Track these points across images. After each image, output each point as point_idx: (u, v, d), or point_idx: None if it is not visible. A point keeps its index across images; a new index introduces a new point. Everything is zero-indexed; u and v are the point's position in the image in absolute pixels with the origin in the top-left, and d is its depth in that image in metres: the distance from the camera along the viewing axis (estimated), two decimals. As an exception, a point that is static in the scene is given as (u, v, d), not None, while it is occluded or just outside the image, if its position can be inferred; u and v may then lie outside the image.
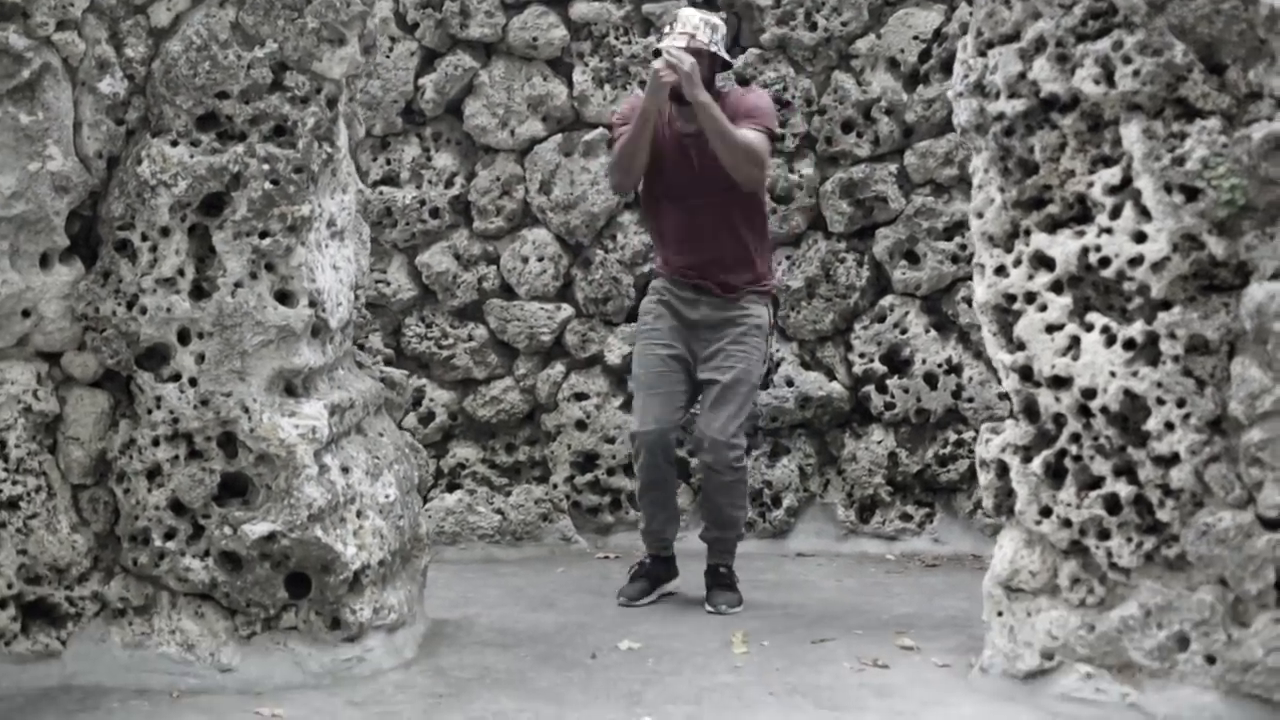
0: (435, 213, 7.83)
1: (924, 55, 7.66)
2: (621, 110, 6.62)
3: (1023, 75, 4.98)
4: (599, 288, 7.74)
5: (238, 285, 5.13)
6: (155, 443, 5.16)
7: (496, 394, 7.85)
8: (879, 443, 7.74)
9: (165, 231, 5.13)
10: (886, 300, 7.74)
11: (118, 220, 5.13)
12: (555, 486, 7.78)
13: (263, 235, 5.13)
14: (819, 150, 7.71)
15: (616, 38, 7.74)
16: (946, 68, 7.60)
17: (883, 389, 7.73)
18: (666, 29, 6.55)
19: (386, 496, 5.47)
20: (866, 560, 7.55)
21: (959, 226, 7.60)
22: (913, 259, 7.69)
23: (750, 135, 6.35)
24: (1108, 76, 4.83)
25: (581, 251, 7.82)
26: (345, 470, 5.33)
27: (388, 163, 7.79)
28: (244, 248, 5.13)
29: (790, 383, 7.72)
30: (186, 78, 5.12)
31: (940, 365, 7.68)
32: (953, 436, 7.70)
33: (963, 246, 7.59)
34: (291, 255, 5.17)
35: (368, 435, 5.60)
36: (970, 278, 7.44)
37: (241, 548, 5.15)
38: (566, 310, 7.82)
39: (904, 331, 7.71)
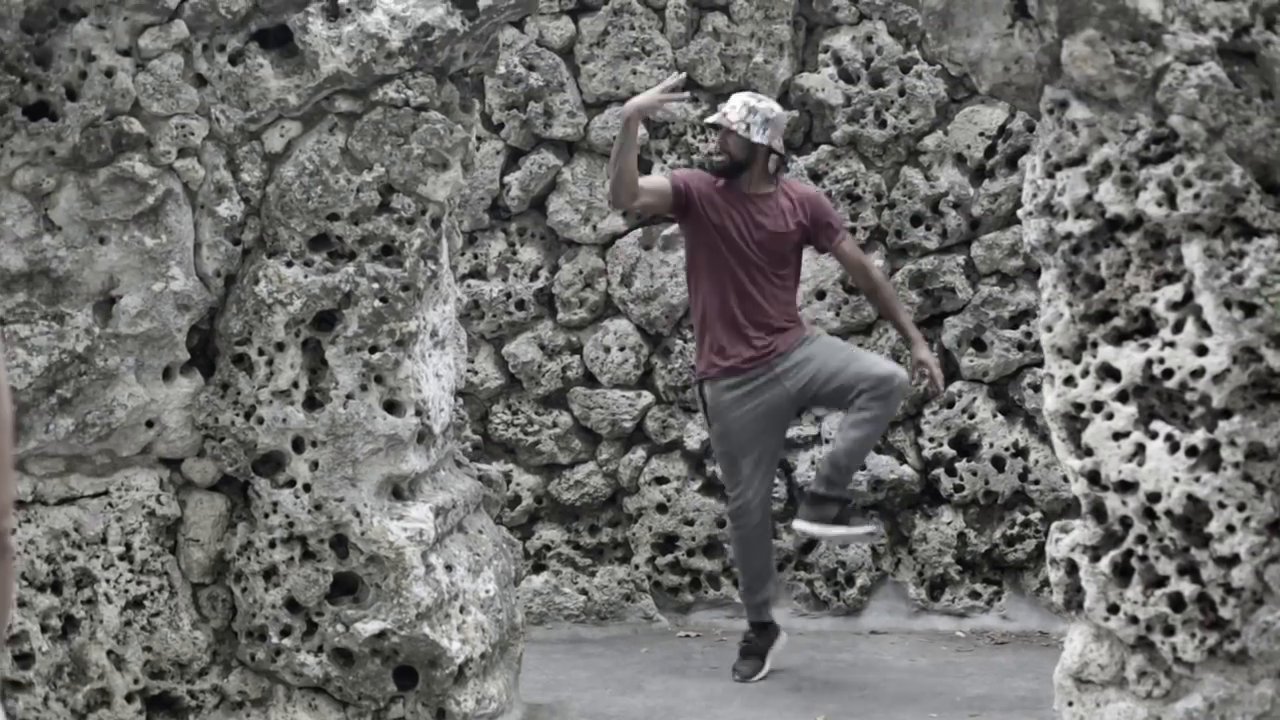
0: (521, 305, 8.17)
1: (989, 151, 7.96)
2: (686, 175, 7.14)
3: (1089, 197, 5.25)
4: (678, 376, 8.05)
5: (349, 397, 5.47)
6: (272, 545, 5.51)
7: (580, 478, 8.17)
8: (948, 523, 8.00)
9: (280, 346, 5.48)
10: (955, 386, 8.01)
11: (236, 336, 5.49)
12: (637, 567, 8.08)
13: (372, 350, 5.48)
14: (889, 243, 8.00)
15: (694, 136, 8.07)
16: (1011, 162, 7.90)
17: (952, 472, 8.00)
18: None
19: (487, 591, 5.79)
20: (937, 637, 7.81)
21: (1025, 315, 7.88)
22: (980, 347, 7.97)
23: (880, 275, 7.37)
24: (1170, 199, 5.10)
25: (661, 341, 8.13)
26: (449, 568, 5.65)
27: (475, 257, 8.14)
28: (355, 362, 5.48)
29: (863, 466, 8.00)
30: (299, 201, 5.48)
31: (1007, 449, 7.95)
32: (1019, 517, 7.96)
33: (1028, 334, 7.86)
34: (399, 368, 5.51)
35: (468, 533, 5.92)
36: (1037, 364, 7.76)
37: (354, 644, 5.48)
38: (647, 397, 8.14)
39: (972, 417, 7.98)
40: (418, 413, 5.56)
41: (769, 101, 7.13)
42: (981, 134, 7.95)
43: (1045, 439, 7.87)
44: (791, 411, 7.20)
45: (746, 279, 6.91)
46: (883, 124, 7.98)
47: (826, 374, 6.95)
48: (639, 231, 8.11)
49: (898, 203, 8.01)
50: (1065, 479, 7.74)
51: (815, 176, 7.98)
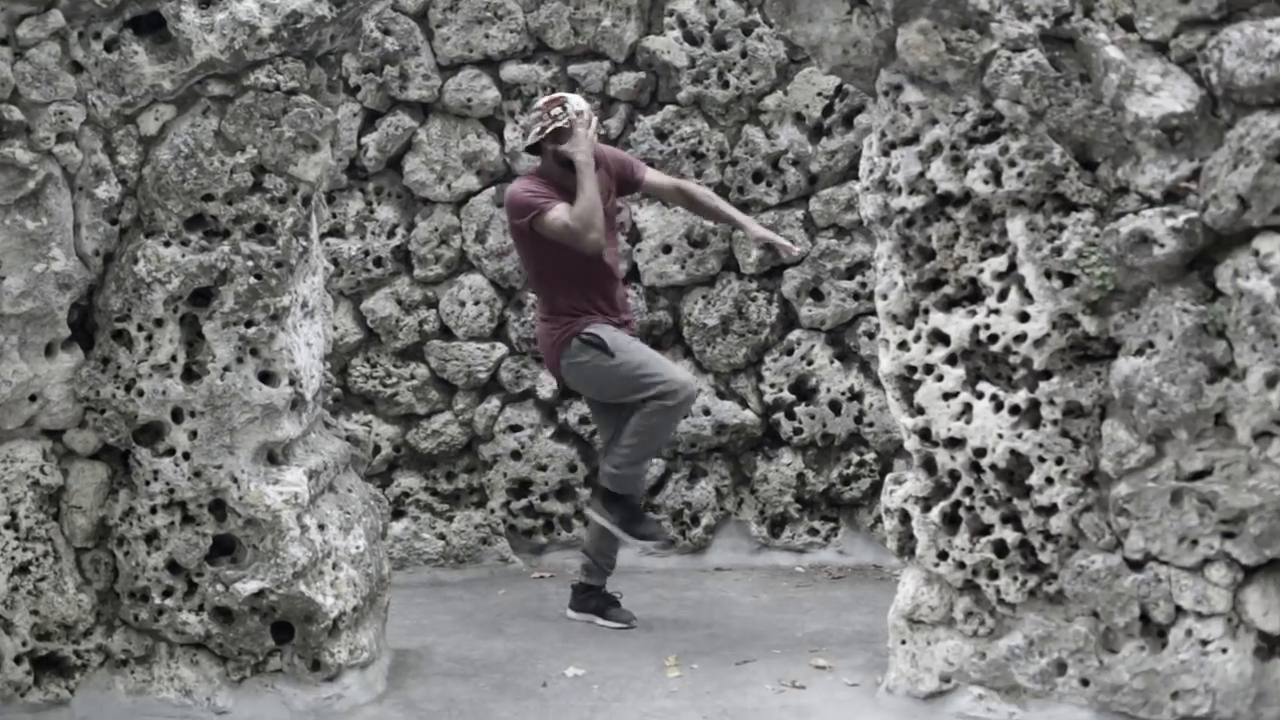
0: (378, 262, 8.42)
1: (827, 110, 8.31)
2: (536, 191, 7.11)
3: (921, 174, 5.63)
4: (530, 328, 8.36)
5: (226, 369, 5.73)
6: (153, 510, 5.76)
7: (437, 427, 8.46)
8: (788, 465, 8.40)
9: (159, 323, 5.71)
10: (794, 335, 8.39)
11: (115, 313, 5.71)
12: (493, 512, 8.41)
13: (248, 324, 5.73)
14: (731, 198, 8.30)
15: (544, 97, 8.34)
16: (848, 121, 8.27)
17: (791, 416, 8.39)
18: (557, 110, 7.12)
19: (358, 548, 6.08)
20: (778, 573, 8.21)
21: (860, 266, 8.27)
22: (818, 297, 8.35)
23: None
24: (995, 176, 5.49)
25: (514, 295, 8.44)
26: (322, 528, 5.93)
27: (333, 216, 8.36)
28: (231, 336, 5.73)
29: (707, 411, 8.36)
30: (175, 183, 5.69)
31: (843, 393, 8.35)
32: (855, 458, 8.39)
33: (863, 285, 8.26)
34: (274, 341, 5.77)
35: (339, 492, 6.21)
36: (871, 312, 8.17)
37: (233, 603, 5.77)
38: (501, 349, 8.44)
39: (810, 363, 8.38)
40: (291, 382, 5.82)
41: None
42: (819, 94, 8.29)
43: (879, 383, 8.27)
44: None
45: (603, 255, 7.15)
46: (725, 84, 8.30)
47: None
48: (492, 190, 8.37)
49: (740, 160, 8.33)
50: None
51: (661, 135, 8.29)
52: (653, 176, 7.53)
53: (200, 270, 5.70)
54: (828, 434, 8.37)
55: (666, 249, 8.36)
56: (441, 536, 8.39)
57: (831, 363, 8.37)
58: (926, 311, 5.71)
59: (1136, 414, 5.31)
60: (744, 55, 8.27)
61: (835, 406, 8.36)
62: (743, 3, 8.29)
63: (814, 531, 8.43)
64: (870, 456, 8.35)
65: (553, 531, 8.42)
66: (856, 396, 8.35)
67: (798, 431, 8.38)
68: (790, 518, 8.43)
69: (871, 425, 8.33)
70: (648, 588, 7.83)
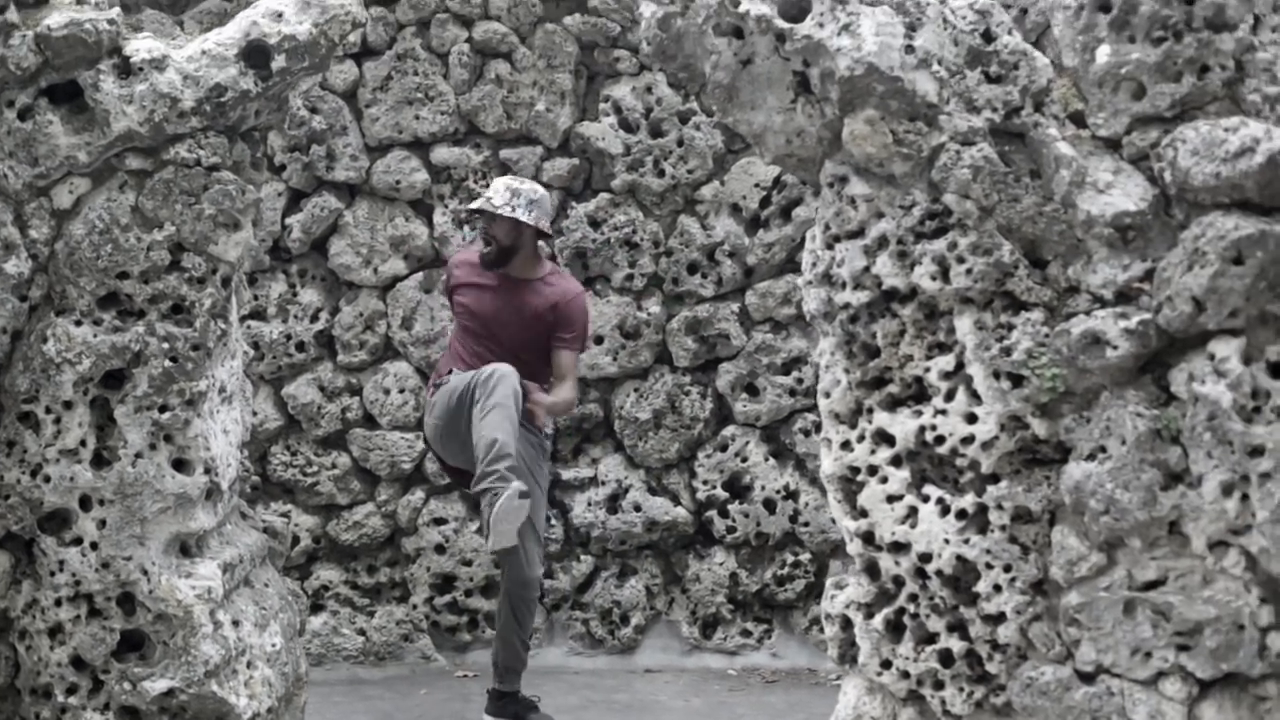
0: (301, 346, 8.19)
1: (764, 201, 8.18)
2: (456, 259, 7.10)
3: (867, 269, 5.46)
4: (458, 418, 8.13)
5: (138, 456, 5.45)
6: (58, 603, 5.46)
7: (359, 519, 8.21)
8: (721, 564, 8.20)
9: (68, 405, 5.44)
10: (728, 430, 8.22)
11: (23, 394, 5.43)
12: (415, 607, 8.15)
13: (162, 409, 5.47)
14: (666, 290, 8.18)
15: (475, 181, 8.16)
16: (785, 213, 8.13)
17: (724, 514, 8.20)
18: (499, 200, 6.99)
19: (273, 645, 5.80)
20: (710, 675, 8.00)
21: (796, 362, 8.11)
22: (753, 392, 8.18)
23: (568, 391, 7.08)
24: (943, 273, 5.33)
25: (441, 385, 8.21)
26: (236, 624, 5.65)
27: (255, 298, 8.13)
28: (144, 421, 5.46)
29: (638, 508, 8.16)
30: (89, 259, 5.44)
31: (778, 491, 8.18)
32: (790, 557, 8.19)
33: (799, 380, 8.10)
34: (189, 427, 5.51)
35: (255, 587, 5.94)
36: (807, 409, 8.00)
37: (141, 703, 5.47)
38: (426, 439, 8.21)
39: (744, 460, 8.20)
40: (206, 470, 5.56)
41: (531, 183, 7.17)
42: (756, 185, 8.16)
43: (815, 482, 8.12)
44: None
45: (512, 358, 6.95)
46: (661, 173, 8.15)
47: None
48: (420, 275, 8.16)
49: (675, 250, 8.18)
50: (834, 521, 8.07)
51: (594, 223, 8.13)
52: (564, 355, 7.12)
53: (113, 351, 5.44)
54: (762, 533, 8.18)
55: (598, 340, 8.17)
56: (362, 632, 8.12)
57: (766, 460, 8.20)
58: (871, 410, 5.52)
59: (1088, 520, 5.13)
60: (680, 144, 8.14)
61: (770, 505, 8.18)
62: (680, 91, 8.15)
63: (747, 633, 8.22)
64: (805, 557, 8.16)
65: (477, 629, 8.16)
66: (792, 495, 8.17)
67: (731, 530, 8.19)
68: (723, 618, 8.21)
69: (807, 525, 8.15)
70: (575, 689, 7.59)
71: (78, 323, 5.45)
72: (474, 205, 7.04)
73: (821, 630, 7.96)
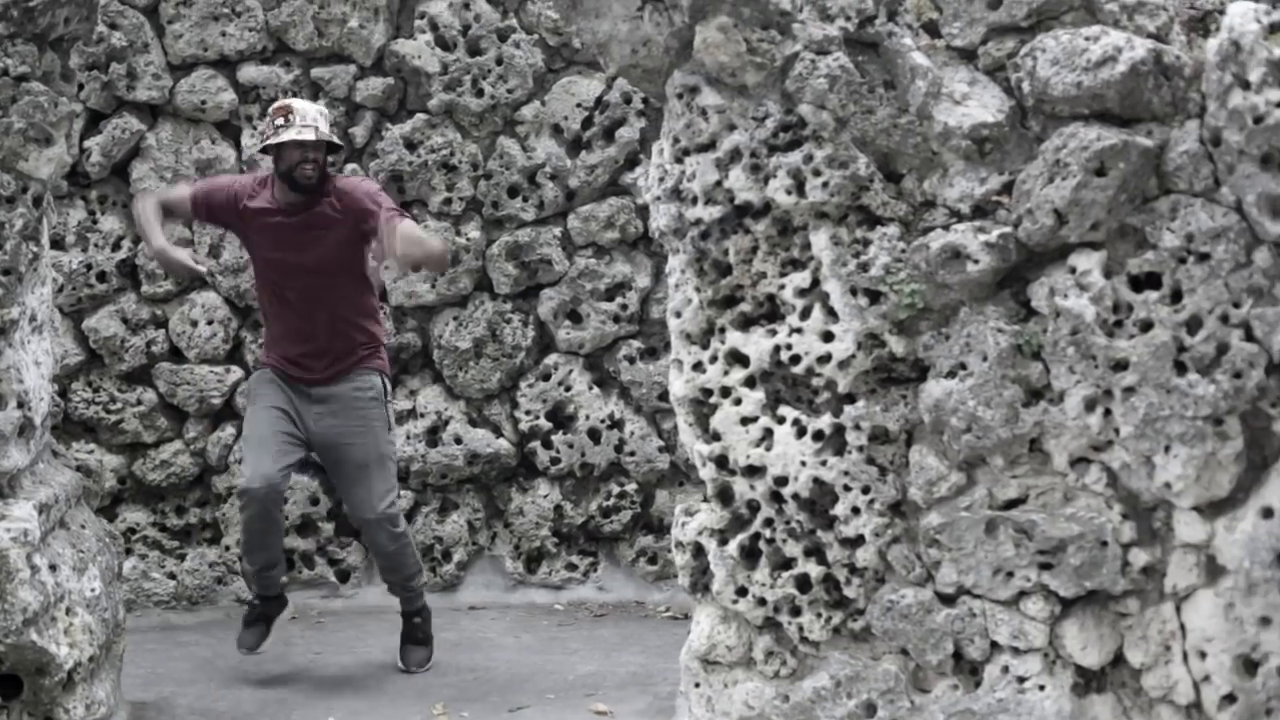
0: (102, 276, 7.78)
1: (586, 122, 7.94)
2: (238, 185, 6.68)
3: (718, 183, 5.27)
4: (270, 350, 7.80)
5: (-54, 390, 5.08)
6: None
7: (166, 457, 7.86)
8: (545, 496, 8.00)
9: None
10: (551, 359, 8.00)
11: None
12: (228, 549, 7.82)
13: (-30, 340, 5.10)
14: (485, 214, 7.92)
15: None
16: (608, 134, 7.91)
17: (548, 445, 7.99)
18: (280, 120, 6.47)
19: (92, 590, 5.48)
20: (536, 610, 7.81)
21: (620, 287, 7.91)
22: (576, 319, 7.97)
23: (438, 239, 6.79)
24: (798, 187, 5.16)
25: (250, 314, 7.84)
26: (54, 568, 5.32)
27: (53, 226, 7.68)
28: (-49, 352, 5.08)
29: (459, 440, 7.92)
30: (-112, 178, 5.05)
31: (603, 421, 7.98)
32: (615, 489, 8.01)
33: (624, 306, 7.90)
34: (1, 358, 5.14)
35: (71, 529, 5.60)
36: (631, 336, 7.82)
37: (-46, 655, 5.11)
38: (236, 373, 7.87)
39: (568, 389, 7.99)
40: (20, 404, 5.21)
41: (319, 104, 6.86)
42: (579, 105, 7.93)
43: (640, 410, 7.94)
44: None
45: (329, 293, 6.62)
46: (480, 93, 7.88)
47: (342, 466, 6.69)
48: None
49: (495, 174, 7.92)
50: (660, 450, 7.93)
51: (410, 145, 7.84)
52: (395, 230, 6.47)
53: (-83, 278, 5.05)
54: (586, 464, 7.99)
55: (415, 266, 7.87)
56: (172, 576, 7.78)
57: (590, 389, 8.00)
58: (723, 330, 5.34)
59: (948, 439, 5.02)
60: (499, 62, 7.86)
61: (594, 435, 7.98)
62: (498, 7, 7.87)
63: (572, 567, 8.03)
64: (631, 487, 7.98)
65: (293, 569, 7.84)
66: (617, 424, 7.99)
67: (555, 461, 7.98)
68: (547, 552, 8.02)
69: (633, 454, 7.97)
70: (398, 628, 7.31)
71: (-124, 247, 5.06)
72: (298, 136, 6.40)
73: (650, 562, 7.90)
